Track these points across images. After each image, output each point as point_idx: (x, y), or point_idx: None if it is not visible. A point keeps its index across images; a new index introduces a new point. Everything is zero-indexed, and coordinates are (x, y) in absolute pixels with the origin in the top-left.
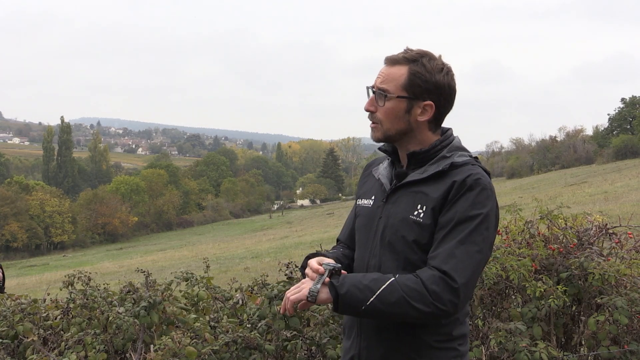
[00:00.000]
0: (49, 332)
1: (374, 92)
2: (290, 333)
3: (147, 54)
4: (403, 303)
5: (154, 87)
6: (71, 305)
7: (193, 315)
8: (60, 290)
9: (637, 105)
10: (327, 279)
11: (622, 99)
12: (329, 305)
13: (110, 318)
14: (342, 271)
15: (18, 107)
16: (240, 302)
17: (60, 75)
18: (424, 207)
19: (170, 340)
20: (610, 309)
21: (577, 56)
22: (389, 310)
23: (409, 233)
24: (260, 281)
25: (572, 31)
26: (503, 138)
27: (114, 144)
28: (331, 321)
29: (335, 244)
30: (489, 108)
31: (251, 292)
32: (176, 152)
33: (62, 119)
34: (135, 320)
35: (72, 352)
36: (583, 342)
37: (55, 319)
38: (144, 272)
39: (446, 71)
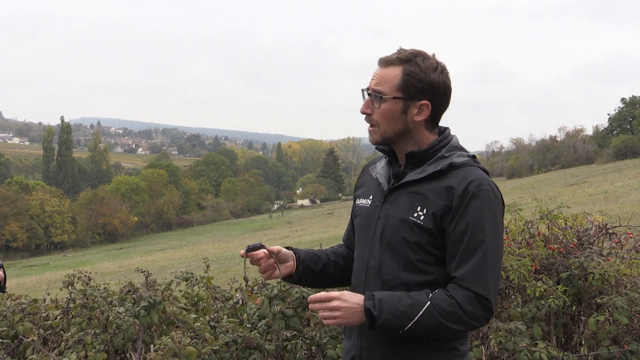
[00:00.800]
0: (49, 332)
1: (369, 95)
2: (290, 333)
3: (147, 54)
4: (440, 326)
5: (154, 87)
6: (71, 305)
7: (193, 315)
8: (60, 290)
9: (637, 105)
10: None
11: (622, 99)
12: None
13: (110, 318)
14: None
15: (18, 107)
16: (240, 302)
17: (60, 75)
18: (424, 210)
19: (170, 340)
20: (610, 308)
21: (577, 56)
22: (425, 333)
23: (410, 234)
24: (260, 281)
25: (572, 31)
26: (503, 138)
27: (114, 144)
28: None
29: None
30: (488, 108)
31: (251, 292)
32: (176, 152)
33: (62, 118)
34: (135, 320)
35: (72, 352)
36: (583, 342)
37: (55, 318)
38: (144, 272)
39: (440, 70)
